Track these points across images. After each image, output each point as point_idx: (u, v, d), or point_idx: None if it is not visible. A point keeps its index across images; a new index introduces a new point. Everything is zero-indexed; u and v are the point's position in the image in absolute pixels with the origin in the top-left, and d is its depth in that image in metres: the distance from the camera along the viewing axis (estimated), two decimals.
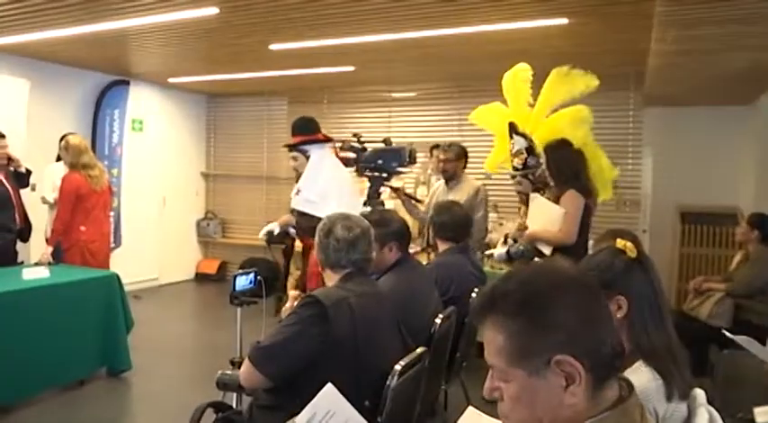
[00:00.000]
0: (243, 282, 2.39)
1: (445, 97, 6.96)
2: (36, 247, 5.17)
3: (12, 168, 4.84)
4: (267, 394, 1.83)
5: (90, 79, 6.75)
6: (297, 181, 3.80)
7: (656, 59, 4.24)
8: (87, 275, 4.28)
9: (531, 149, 3.78)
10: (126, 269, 4.66)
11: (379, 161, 3.63)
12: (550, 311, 0.94)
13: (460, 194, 4.34)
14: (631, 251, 1.42)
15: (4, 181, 4.67)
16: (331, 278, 1.96)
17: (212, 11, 4.07)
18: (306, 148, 3.53)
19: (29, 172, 5.02)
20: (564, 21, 4.14)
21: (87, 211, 4.64)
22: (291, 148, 3.61)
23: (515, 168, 3.85)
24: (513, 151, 3.82)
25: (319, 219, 2.74)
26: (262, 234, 3.73)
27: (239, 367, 2.34)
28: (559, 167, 3.43)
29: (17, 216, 4.70)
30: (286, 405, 1.77)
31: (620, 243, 1.44)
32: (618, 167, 4.08)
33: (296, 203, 3.50)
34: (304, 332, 1.74)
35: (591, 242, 3.38)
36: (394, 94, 7.24)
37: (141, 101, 7.28)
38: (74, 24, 4.59)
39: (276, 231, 3.71)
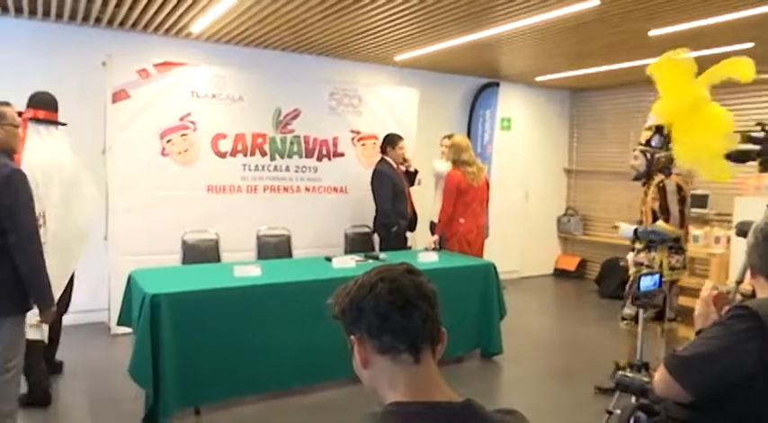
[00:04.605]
0: (647, 282, 2.26)
1: None
2: (420, 237, 5.94)
3: (404, 168, 5.66)
4: (679, 407, 1.68)
5: (465, 84, 7.41)
6: None
7: None
8: (468, 263, 4.71)
9: (661, 129, 3.69)
10: (491, 259, 4.96)
11: None
12: None
13: None
14: None
15: (402, 177, 5.51)
16: (764, 288, 1.69)
17: (593, 3, 4.00)
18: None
19: (416, 171, 5.80)
20: None
21: (466, 204, 5.07)
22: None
23: (639, 143, 3.83)
24: (646, 125, 3.84)
25: None
26: None
27: (638, 370, 2.24)
28: None
29: (408, 207, 5.50)
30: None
31: None
32: None
33: None
34: (735, 348, 1.53)
35: None
36: None
37: (509, 100, 7.65)
38: (458, 36, 5.09)
39: None
